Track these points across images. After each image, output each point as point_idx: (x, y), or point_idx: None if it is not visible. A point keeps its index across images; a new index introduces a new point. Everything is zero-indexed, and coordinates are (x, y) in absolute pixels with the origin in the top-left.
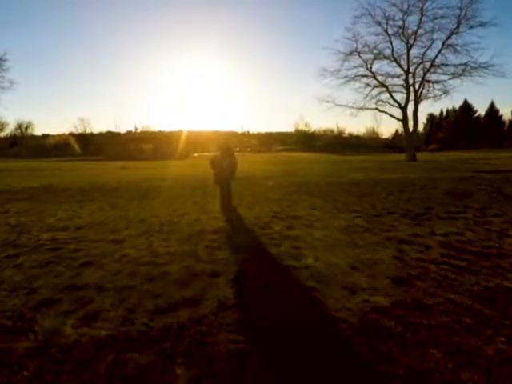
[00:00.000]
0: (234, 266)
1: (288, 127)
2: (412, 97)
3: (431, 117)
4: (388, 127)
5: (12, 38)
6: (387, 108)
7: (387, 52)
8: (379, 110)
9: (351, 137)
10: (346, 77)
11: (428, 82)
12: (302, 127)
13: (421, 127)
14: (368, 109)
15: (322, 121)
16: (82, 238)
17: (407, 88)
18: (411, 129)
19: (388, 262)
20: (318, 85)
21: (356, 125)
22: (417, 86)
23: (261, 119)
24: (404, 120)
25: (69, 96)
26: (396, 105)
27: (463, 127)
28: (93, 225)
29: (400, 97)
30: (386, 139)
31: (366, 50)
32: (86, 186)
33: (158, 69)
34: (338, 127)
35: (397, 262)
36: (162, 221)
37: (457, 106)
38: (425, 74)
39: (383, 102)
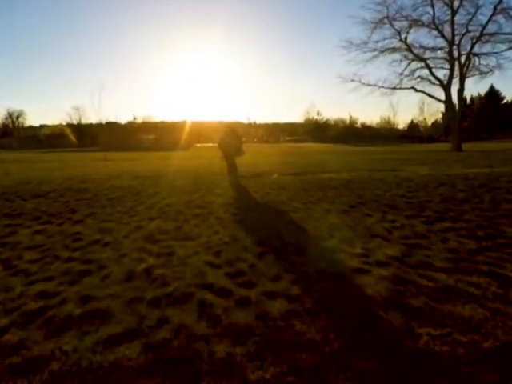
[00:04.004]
0: None
1: (295, 118)
2: (456, 73)
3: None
4: (402, 117)
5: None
6: (425, 87)
7: (426, 18)
8: (416, 90)
9: (364, 127)
10: (374, 50)
11: (475, 55)
12: (313, 116)
13: (439, 116)
14: (402, 88)
15: (330, 111)
16: None
17: (451, 62)
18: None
19: None
20: (328, 74)
21: (368, 115)
22: (463, 60)
23: (267, 110)
24: (447, 101)
25: (68, 86)
26: (437, 82)
27: (489, 115)
28: None
29: (441, 74)
30: (400, 129)
31: (400, 16)
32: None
33: (160, 59)
34: (351, 116)
35: None
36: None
37: (482, 93)
38: (473, 44)
39: (422, 78)
